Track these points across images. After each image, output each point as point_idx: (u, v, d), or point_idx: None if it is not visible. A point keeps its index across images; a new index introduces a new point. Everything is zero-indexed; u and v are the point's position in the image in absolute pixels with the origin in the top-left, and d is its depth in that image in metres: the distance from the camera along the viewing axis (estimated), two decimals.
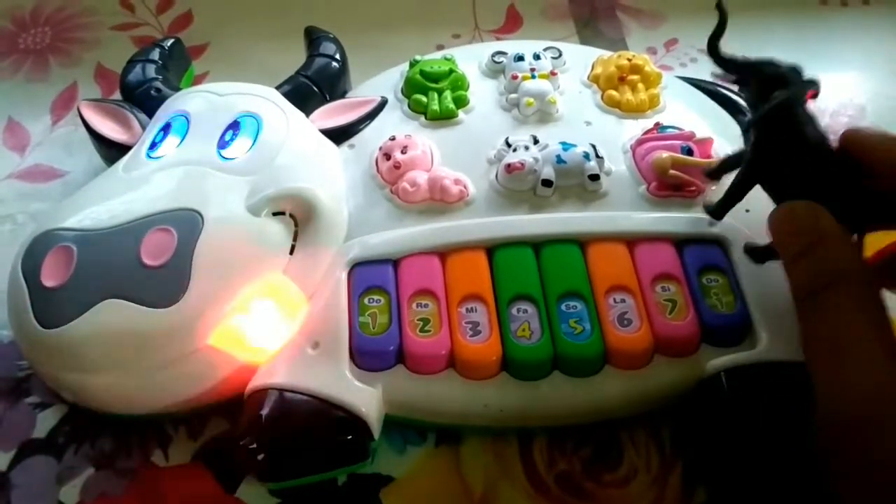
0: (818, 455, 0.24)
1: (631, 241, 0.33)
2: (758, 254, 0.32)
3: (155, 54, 0.41)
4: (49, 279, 0.30)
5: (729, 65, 0.32)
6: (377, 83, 0.41)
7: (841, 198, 0.28)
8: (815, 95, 0.30)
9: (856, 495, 0.23)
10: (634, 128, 0.38)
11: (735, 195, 0.31)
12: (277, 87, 0.38)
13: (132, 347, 0.29)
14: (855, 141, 0.29)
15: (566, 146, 0.35)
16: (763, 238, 0.31)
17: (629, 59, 0.40)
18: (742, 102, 0.40)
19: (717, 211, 0.32)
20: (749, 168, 0.30)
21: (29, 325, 0.30)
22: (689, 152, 0.36)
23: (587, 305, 0.32)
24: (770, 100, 0.29)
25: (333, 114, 0.39)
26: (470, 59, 0.42)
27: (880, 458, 0.22)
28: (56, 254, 0.31)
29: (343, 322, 0.31)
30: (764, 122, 0.29)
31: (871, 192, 0.28)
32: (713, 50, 0.32)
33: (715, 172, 0.34)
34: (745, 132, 0.31)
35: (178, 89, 0.39)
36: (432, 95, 0.39)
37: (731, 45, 0.50)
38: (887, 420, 0.22)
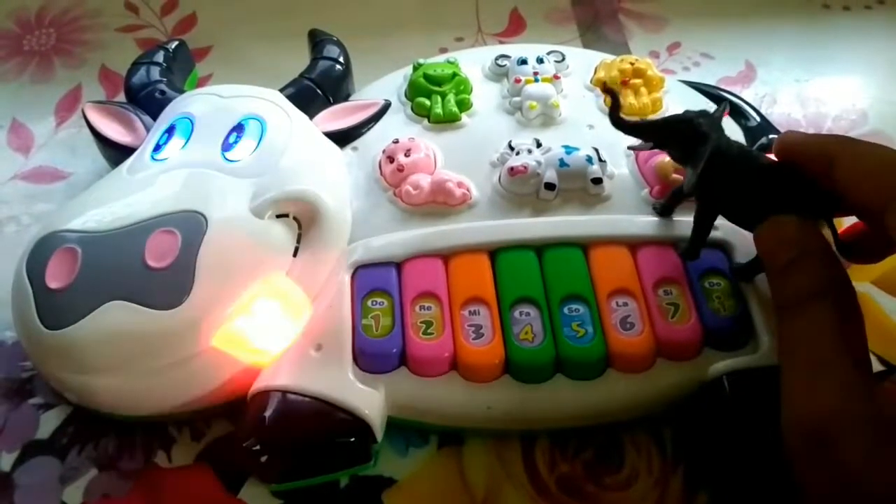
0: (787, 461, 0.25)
1: (633, 244, 0.34)
2: (744, 271, 0.32)
3: (159, 56, 0.41)
4: (53, 281, 0.30)
5: (640, 131, 0.33)
6: (380, 86, 0.41)
7: (794, 201, 0.29)
8: (727, 112, 0.32)
9: (815, 503, 0.24)
10: None
11: (700, 234, 0.32)
12: (281, 90, 0.38)
13: (136, 349, 0.30)
14: (786, 145, 0.30)
15: (569, 150, 0.36)
16: None
17: (632, 63, 0.41)
18: (745, 107, 0.41)
19: (690, 252, 0.33)
20: (703, 209, 0.31)
21: (33, 326, 0.30)
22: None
23: (589, 309, 0.32)
24: (697, 156, 0.30)
25: (337, 117, 0.39)
26: (473, 62, 0.42)
27: (836, 469, 0.23)
28: (60, 255, 0.31)
29: (346, 324, 0.31)
30: (704, 176, 0.30)
31: (818, 189, 0.29)
32: (618, 123, 0.32)
33: (665, 209, 0.34)
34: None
35: (182, 91, 0.39)
36: (435, 98, 0.39)
37: (736, 50, 0.50)
38: (845, 431, 0.23)
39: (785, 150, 0.30)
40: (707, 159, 0.30)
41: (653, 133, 0.32)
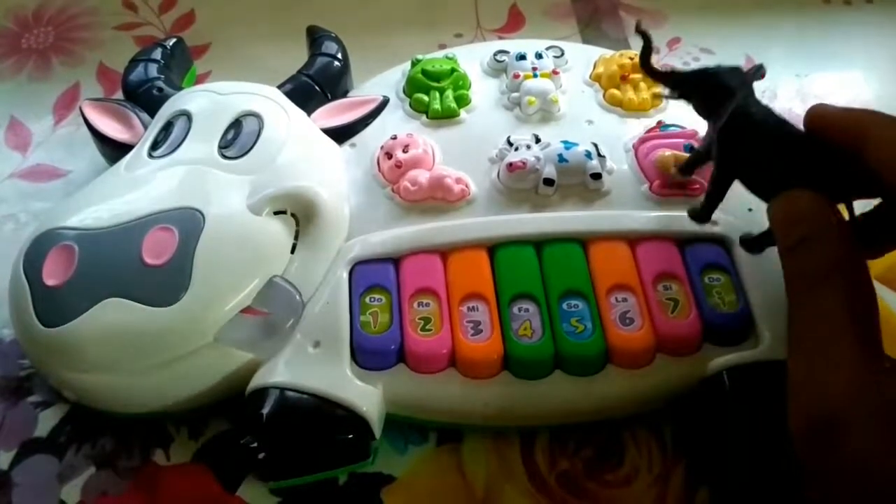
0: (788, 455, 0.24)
1: (633, 239, 0.33)
2: (754, 243, 0.32)
3: (157, 54, 0.41)
4: (50, 278, 0.30)
5: (668, 80, 0.32)
6: (379, 82, 0.41)
7: (818, 176, 0.27)
8: (762, 76, 0.31)
9: (822, 493, 0.23)
10: (636, 127, 0.38)
11: (714, 196, 0.31)
12: (279, 87, 0.38)
13: (133, 346, 0.29)
14: (817, 117, 0.29)
15: (568, 145, 0.35)
16: None
17: (631, 58, 0.40)
18: None
19: (701, 214, 0.32)
20: (720, 171, 0.31)
21: (30, 323, 0.30)
22: (692, 150, 0.36)
23: (589, 304, 0.31)
24: (720, 111, 0.29)
25: (335, 113, 0.39)
26: (472, 58, 0.42)
27: (844, 458, 0.22)
28: (58, 253, 0.31)
29: (344, 321, 0.31)
30: (723, 133, 0.29)
31: (846, 166, 0.27)
32: (647, 67, 0.32)
33: (686, 168, 0.34)
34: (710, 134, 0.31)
35: (179, 89, 0.39)
36: (434, 94, 0.39)
37: (736, 45, 0.50)
38: (854, 420, 0.22)
39: (815, 121, 0.28)
40: (728, 116, 0.29)
41: (679, 83, 0.32)
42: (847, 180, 0.27)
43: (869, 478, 0.22)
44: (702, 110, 0.31)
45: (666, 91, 0.32)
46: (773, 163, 0.28)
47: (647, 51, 0.31)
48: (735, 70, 0.30)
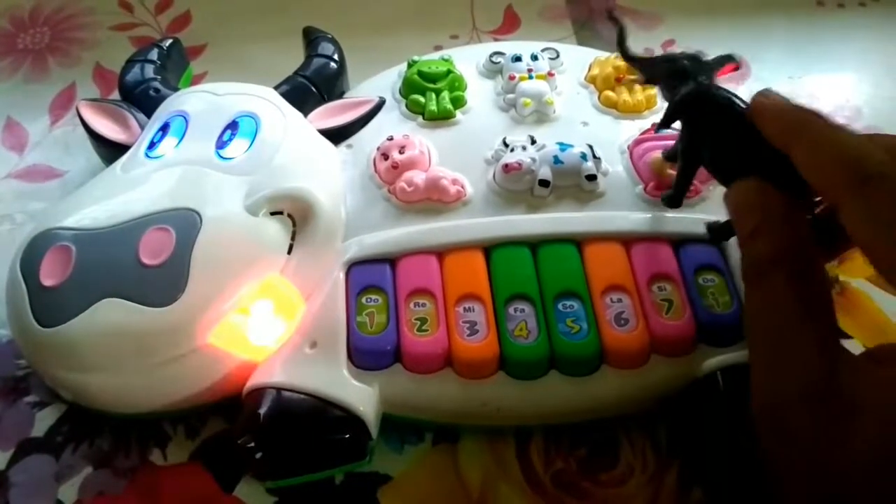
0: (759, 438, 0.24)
1: (628, 240, 0.34)
2: (718, 232, 0.32)
3: (153, 54, 0.41)
4: (48, 278, 0.30)
5: (637, 65, 0.33)
6: (375, 83, 0.41)
7: (778, 167, 0.27)
8: (735, 68, 0.32)
9: (781, 479, 0.23)
10: (631, 128, 0.38)
11: (681, 182, 0.33)
12: (276, 88, 0.38)
13: (130, 346, 0.30)
14: (755, 110, 0.28)
15: (563, 146, 0.36)
16: None
17: None
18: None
19: (672, 198, 0.33)
20: (684, 156, 0.32)
21: (27, 324, 0.30)
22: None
23: (584, 305, 0.32)
24: (675, 94, 0.31)
25: (331, 114, 0.39)
26: (468, 59, 0.42)
27: (795, 446, 0.23)
28: (54, 253, 0.31)
29: (341, 321, 0.31)
30: (677, 115, 0.31)
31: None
32: (623, 52, 0.33)
33: (672, 155, 0.35)
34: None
35: (176, 89, 0.39)
36: (430, 96, 0.39)
37: (730, 47, 0.50)
38: (810, 407, 0.22)
39: (754, 113, 0.28)
40: (680, 98, 0.30)
41: (645, 67, 0.33)
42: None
43: (814, 466, 0.22)
44: (665, 93, 0.32)
45: (639, 76, 0.34)
46: (731, 149, 0.29)
47: (621, 36, 0.33)
48: (695, 57, 0.31)
